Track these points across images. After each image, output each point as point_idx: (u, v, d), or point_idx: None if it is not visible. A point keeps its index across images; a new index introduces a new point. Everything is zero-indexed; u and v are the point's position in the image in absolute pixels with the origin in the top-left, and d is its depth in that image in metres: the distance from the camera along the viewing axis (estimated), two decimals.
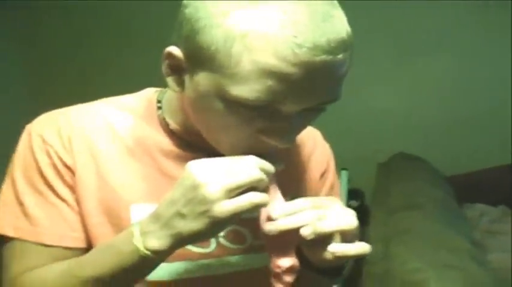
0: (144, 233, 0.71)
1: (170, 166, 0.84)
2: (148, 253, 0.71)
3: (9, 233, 0.81)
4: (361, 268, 1.81)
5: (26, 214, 0.81)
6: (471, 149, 3.18)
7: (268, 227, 0.72)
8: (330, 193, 1.00)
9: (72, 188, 0.82)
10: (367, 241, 0.73)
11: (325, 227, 0.71)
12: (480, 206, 2.89)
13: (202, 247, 0.85)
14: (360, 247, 0.73)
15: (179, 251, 0.76)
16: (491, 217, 2.79)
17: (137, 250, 0.71)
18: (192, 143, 0.84)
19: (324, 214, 0.72)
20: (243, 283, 0.88)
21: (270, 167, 0.72)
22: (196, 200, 0.67)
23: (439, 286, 1.40)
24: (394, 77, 3.23)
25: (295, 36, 0.63)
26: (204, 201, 0.66)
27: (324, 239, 0.72)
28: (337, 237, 0.72)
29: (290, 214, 0.72)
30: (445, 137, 3.25)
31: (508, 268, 2.22)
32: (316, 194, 0.96)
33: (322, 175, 0.99)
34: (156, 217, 0.71)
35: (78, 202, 0.82)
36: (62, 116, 0.84)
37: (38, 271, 0.81)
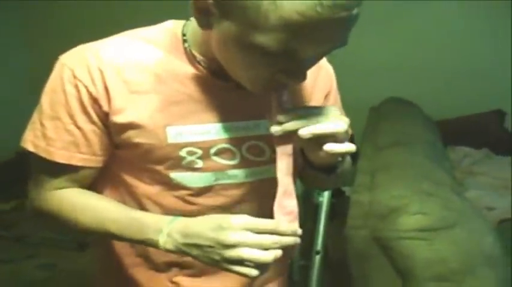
0: (169, 236, 0.87)
1: (198, 91, 0.94)
2: (162, 247, 0.88)
3: (30, 148, 0.94)
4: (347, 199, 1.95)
5: (44, 134, 0.93)
6: (458, 95, 3.30)
7: (275, 129, 0.86)
8: None
9: (92, 119, 0.92)
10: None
11: (319, 129, 0.83)
12: (464, 149, 3.04)
13: (229, 160, 0.98)
14: (348, 146, 0.86)
15: (210, 163, 0.96)
16: (474, 158, 2.94)
17: (157, 241, 0.88)
18: (217, 72, 0.93)
19: (322, 119, 0.84)
20: (263, 188, 1.02)
21: (290, 242, 0.84)
22: (215, 253, 0.83)
23: (419, 209, 1.52)
24: (388, 26, 3.30)
25: None
26: (219, 259, 0.83)
27: (320, 140, 0.84)
28: (330, 138, 0.85)
29: (294, 119, 0.85)
30: (434, 84, 3.36)
31: (481, 205, 2.38)
32: None
33: (326, 95, 1.10)
34: (185, 233, 0.86)
35: (113, 125, 0.93)
36: (91, 52, 0.91)
37: (68, 193, 0.97)
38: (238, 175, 1.00)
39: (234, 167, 0.99)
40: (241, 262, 0.82)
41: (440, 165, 2.17)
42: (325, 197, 1.85)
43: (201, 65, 0.94)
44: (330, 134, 0.84)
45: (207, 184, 0.99)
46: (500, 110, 3.31)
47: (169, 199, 1.00)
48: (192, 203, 1.00)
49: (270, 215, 0.93)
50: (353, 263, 1.61)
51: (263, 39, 0.74)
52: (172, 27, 0.97)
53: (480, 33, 3.25)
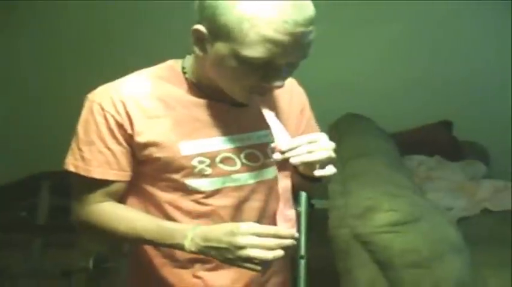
0: (192, 240, 1.05)
1: (200, 112, 1.16)
2: (187, 249, 1.06)
3: (71, 169, 1.15)
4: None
5: (82, 157, 1.13)
6: (409, 109, 3.56)
7: (277, 156, 1.07)
8: (309, 122, 1.34)
9: (119, 141, 1.12)
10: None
11: (309, 158, 1.04)
12: (418, 157, 3.28)
13: (232, 166, 1.18)
14: (329, 170, 1.08)
15: (217, 170, 1.16)
16: (428, 165, 3.17)
17: (182, 245, 1.07)
18: (213, 95, 1.15)
19: (313, 148, 1.04)
20: (259, 189, 1.23)
21: (288, 243, 1.02)
22: (229, 253, 1.02)
23: (389, 206, 1.72)
24: (342, 46, 3.53)
25: (283, 16, 0.95)
26: (233, 257, 1.02)
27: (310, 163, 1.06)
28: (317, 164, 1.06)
29: (292, 148, 1.05)
30: (386, 99, 3.60)
31: (441, 206, 2.60)
32: (298, 124, 1.31)
33: (301, 111, 1.33)
34: (206, 238, 1.04)
35: (137, 144, 1.12)
36: (113, 88, 1.13)
37: (106, 207, 1.16)
38: (241, 178, 1.20)
39: (236, 172, 1.19)
40: (249, 259, 1.01)
41: (400, 172, 2.38)
42: (303, 206, 2.01)
43: (199, 89, 1.15)
44: (316, 162, 1.05)
45: (216, 187, 1.18)
46: (447, 121, 3.59)
47: (186, 202, 1.18)
48: (205, 205, 1.19)
49: (271, 211, 1.16)
50: (338, 259, 1.79)
51: (247, 52, 0.98)
52: (172, 64, 1.19)
53: (429, 51, 3.54)
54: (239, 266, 1.03)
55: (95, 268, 2.69)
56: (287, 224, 1.11)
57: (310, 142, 1.06)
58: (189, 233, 1.06)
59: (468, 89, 3.50)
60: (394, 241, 1.65)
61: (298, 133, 1.27)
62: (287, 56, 1.01)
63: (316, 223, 2.08)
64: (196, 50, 1.08)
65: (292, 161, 1.04)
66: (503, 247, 2.22)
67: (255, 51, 0.98)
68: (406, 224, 1.68)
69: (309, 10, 1.00)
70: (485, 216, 2.62)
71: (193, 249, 1.06)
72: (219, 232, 1.04)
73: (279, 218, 1.11)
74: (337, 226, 1.81)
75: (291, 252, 1.07)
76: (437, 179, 2.97)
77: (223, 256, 1.03)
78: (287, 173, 1.12)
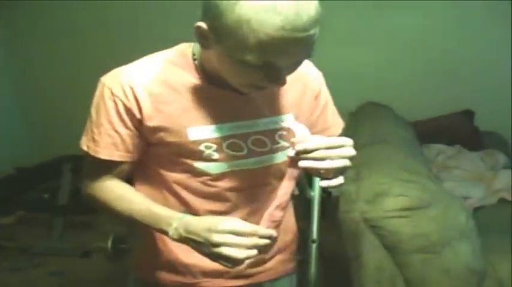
0: (176, 229, 1.10)
1: (208, 98, 1.18)
2: (170, 237, 1.12)
3: (84, 148, 1.21)
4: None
5: (93, 138, 1.19)
6: (431, 98, 3.54)
7: (290, 153, 1.07)
8: (324, 108, 1.34)
9: (127, 125, 1.16)
10: None
11: (320, 165, 1.03)
12: (438, 146, 3.26)
13: (239, 151, 1.21)
14: (336, 181, 1.07)
15: (224, 155, 1.19)
16: (447, 154, 3.16)
17: (167, 232, 1.12)
18: (221, 82, 1.16)
19: (330, 154, 1.03)
20: (266, 173, 1.26)
21: (264, 243, 1.05)
22: (205, 247, 1.06)
23: (400, 192, 1.73)
24: (364, 35, 3.53)
25: (281, 21, 0.93)
26: (208, 252, 1.06)
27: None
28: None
29: (307, 151, 1.04)
30: (408, 88, 3.59)
31: (457, 195, 2.59)
32: (312, 110, 1.31)
33: (316, 97, 1.32)
34: (187, 230, 1.08)
35: (147, 128, 1.16)
36: (124, 73, 1.16)
37: (110, 185, 1.22)
38: (247, 163, 1.22)
39: (243, 157, 1.21)
40: (222, 257, 1.04)
41: (416, 159, 2.38)
42: (316, 191, 2.02)
43: (208, 77, 1.17)
44: (329, 170, 1.04)
45: (222, 171, 1.21)
46: (469, 110, 3.56)
47: (194, 183, 1.22)
48: (212, 186, 1.22)
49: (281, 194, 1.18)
50: (347, 243, 1.81)
51: (247, 56, 0.98)
52: (184, 49, 1.21)
53: (452, 41, 3.50)
54: (213, 261, 1.07)
55: (113, 248, 2.77)
56: (271, 224, 1.15)
57: (328, 147, 1.03)
58: (174, 222, 1.11)
59: (490, 79, 3.46)
60: (403, 226, 1.66)
61: (312, 120, 1.29)
62: (287, 59, 1.01)
63: (330, 210, 2.11)
64: (200, 45, 1.09)
65: (301, 164, 1.04)
66: None
67: (253, 56, 0.97)
68: (416, 210, 1.69)
69: (310, 13, 0.96)
70: (502, 206, 2.60)
71: (175, 237, 1.11)
72: (200, 226, 1.07)
73: (265, 218, 1.15)
74: (347, 210, 1.82)
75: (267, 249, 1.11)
76: (455, 168, 2.96)
77: (200, 249, 1.08)
78: (294, 173, 1.14)
